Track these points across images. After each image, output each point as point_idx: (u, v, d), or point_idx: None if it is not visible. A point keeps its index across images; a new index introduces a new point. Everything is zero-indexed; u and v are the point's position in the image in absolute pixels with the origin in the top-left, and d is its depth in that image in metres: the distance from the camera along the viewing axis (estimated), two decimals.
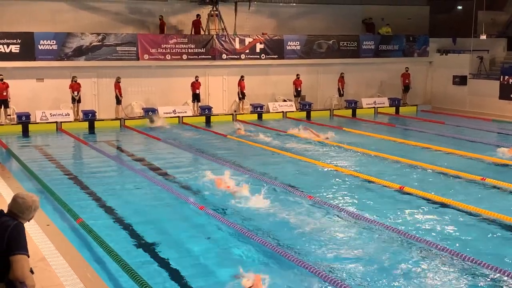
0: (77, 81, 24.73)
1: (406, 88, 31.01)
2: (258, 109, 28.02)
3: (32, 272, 5.39)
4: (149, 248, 10.17)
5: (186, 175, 15.76)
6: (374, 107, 30.29)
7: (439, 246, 9.95)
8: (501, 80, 28.19)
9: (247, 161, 17.63)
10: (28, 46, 24.42)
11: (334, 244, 10.40)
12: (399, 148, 19.79)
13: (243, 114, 27.78)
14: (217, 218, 11.62)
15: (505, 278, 8.71)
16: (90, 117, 24.92)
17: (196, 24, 28.51)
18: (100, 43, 25.58)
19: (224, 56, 27.81)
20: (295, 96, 29.13)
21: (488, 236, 10.92)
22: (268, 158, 18.29)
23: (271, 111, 28.34)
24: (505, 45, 32.01)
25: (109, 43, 25.73)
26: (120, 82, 25.37)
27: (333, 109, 29.77)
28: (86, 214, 11.69)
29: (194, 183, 14.71)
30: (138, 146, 21.36)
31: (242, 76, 27.68)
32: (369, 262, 9.54)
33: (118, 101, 25.57)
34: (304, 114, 28.63)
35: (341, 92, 29.91)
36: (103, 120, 25.41)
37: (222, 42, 27.73)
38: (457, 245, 10.21)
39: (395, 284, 8.69)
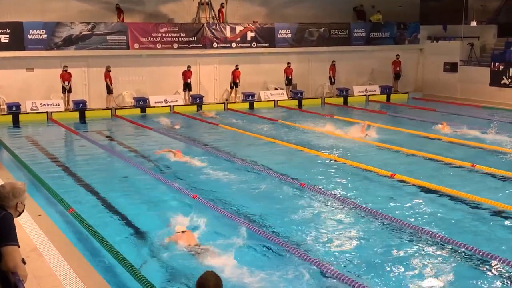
0: (68, 71, 24.60)
1: (397, 76, 31.07)
2: (250, 98, 28.00)
3: (24, 262, 5.37)
4: (141, 237, 10.17)
5: (178, 165, 15.76)
6: (365, 95, 30.35)
7: (430, 232, 10.02)
8: (492, 66, 28.28)
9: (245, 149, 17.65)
10: (17, 36, 24.25)
11: (324, 229, 10.44)
12: (391, 135, 19.82)
13: (235, 103, 27.75)
14: (210, 206, 11.64)
15: (495, 263, 8.80)
16: (80, 107, 24.83)
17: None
18: (90, 32, 25.43)
19: (215, 44, 27.73)
20: (286, 85, 29.11)
21: (482, 222, 11.00)
22: (261, 146, 18.31)
23: (262, 99, 28.32)
24: (495, 31, 32.02)
25: (99, 32, 25.58)
26: (110, 71, 25.25)
27: (324, 97, 29.80)
28: (78, 204, 11.68)
29: (187, 174, 14.72)
30: (129, 135, 21.29)
31: (236, 66, 27.57)
32: (360, 247, 9.61)
33: (109, 91, 25.45)
34: (295, 102, 28.64)
35: (333, 80, 29.92)
36: (94, 110, 25.31)
37: (213, 31, 27.63)
38: (449, 230, 10.26)
39: (385, 269, 8.75)
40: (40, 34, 24.61)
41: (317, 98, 29.79)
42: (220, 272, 6.40)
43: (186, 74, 26.73)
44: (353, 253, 9.43)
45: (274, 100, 28.43)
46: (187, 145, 18.36)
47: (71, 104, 24.95)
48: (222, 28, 27.83)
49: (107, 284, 7.91)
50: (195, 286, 4.20)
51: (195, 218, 10.43)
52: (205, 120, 23.53)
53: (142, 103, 25.95)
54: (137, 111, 25.69)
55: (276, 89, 29.07)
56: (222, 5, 29.04)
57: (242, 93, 28.14)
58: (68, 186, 13.52)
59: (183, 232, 9.58)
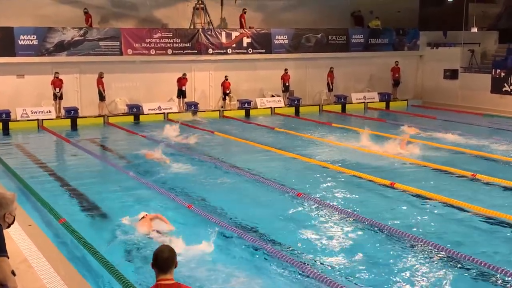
0: (59, 77, 24.61)
1: (396, 83, 31.16)
2: (246, 105, 28.02)
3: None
4: (132, 248, 10.16)
5: (170, 172, 15.78)
6: (364, 102, 30.42)
7: (429, 242, 10.04)
8: (493, 73, 28.39)
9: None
10: (7, 41, 24.25)
11: (319, 238, 10.49)
12: (390, 144, 19.84)
13: (230, 110, 27.78)
14: (207, 217, 11.66)
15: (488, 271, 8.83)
16: (72, 114, 24.83)
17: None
18: (82, 37, 25.46)
19: (210, 50, 27.78)
20: (283, 91, 29.17)
21: (480, 232, 11.03)
22: (256, 154, 18.34)
23: (259, 107, 28.35)
24: (496, 37, 32.20)
25: (92, 38, 25.62)
26: (103, 77, 25.25)
27: (322, 104, 29.85)
28: (69, 214, 11.65)
29: (182, 183, 14.73)
30: (122, 143, 21.28)
31: (226, 77, 27.61)
32: (360, 256, 9.65)
33: (102, 98, 25.45)
34: (292, 109, 28.69)
35: (331, 87, 29.98)
36: (85, 117, 25.30)
37: (208, 36, 27.70)
38: (448, 240, 10.30)
39: (378, 277, 8.77)
40: (31, 40, 24.63)
41: (315, 105, 29.85)
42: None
43: (181, 81, 26.76)
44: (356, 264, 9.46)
45: (271, 108, 28.47)
46: (177, 152, 18.38)
47: (63, 111, 24.94)
48: (218, 34, 27.89)
49: None
50: (152, 257, 4.77)
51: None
52: (200, 128, 23.51)
53: (135, 110, 25.95)
54: (130, 118, 25.68)
55: (272, 96, 29.12)
56: (244, 11, 29.06)
57: (238, 100, 28.17)
58: (59, 196, 13.51)
59: (145, 217, 10.74)
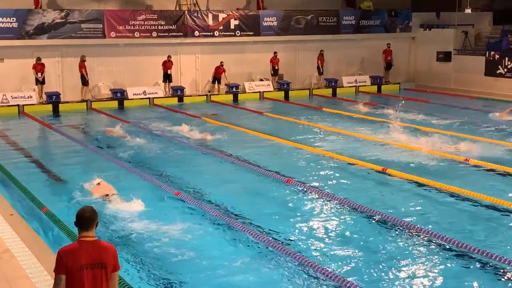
0: (41, 62, 24.44)
1: (388, 66, 31.19)
2: (234, 90, 27.97)
3: None
4: (116, 236, 10.19)
5: (155, 159, 15.81)
6: (355, 86, 30.46)
7: (421, 228, 10.15)
8: (487, 56, 28.51)
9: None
10: None
11: (312, 226, 10.59)
12: (381, 128, 19.95)
13: (218, 95, 27.72)
14: (191, 202, 11.72)
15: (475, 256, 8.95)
16: (54, 99, 24.69)
17: None
18: (63, 20, 25.25)
19: (196, 33, 27.66)
20: (272, 75, 29.13)
21: (477, 218, 11.15)
22: (243, 139, 18.38)
23: (247, 91, 28.31)
24: (490, 19, 32.32)
25: (73, 20, 25.41)
26: (85, 61, 25.08)
27: (312, 88, 29.87)
28: (52, 203, 11.64)
29: (166, 167, 14.76)
30: (108, 130, 21.16)
31: (221, 62, 27.47)
32: (352, 244, 9.74)
33: (85, 82, 25.30)
34: (282, 94, 28.68)
35: (321, 70, 29.97)
36: (68, 102, 25.18)
37: (194, 18, 27.57)
38: (439, 226, 10.40)
39: (373, 266, 8.87)
40: (10, 22, 24.39)
41: (305, 89, 29.85)
42: (126, 217, 10.73)
43: (166, 64, 26.64)
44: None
45: (260, 92, 28.45)
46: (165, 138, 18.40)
47: (44, 96, 24.79)
48: (204, 16, 27.77)
49: None
50: (75, 216, 5.33)
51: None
52: (187, 113, 23.49)
53: (119, 95, 25.84)
54: (114, 103, 25.58)
55: (261, 80, 29.08)
56: None
57: (225, 85, 28.10)
58: (42, 184, 13.49)
59: (99, 184, 12.26)
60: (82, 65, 25.10)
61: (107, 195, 11.94)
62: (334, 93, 29.50)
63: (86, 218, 5.28)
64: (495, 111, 22.39)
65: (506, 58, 27.56)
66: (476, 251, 9.17)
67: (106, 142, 18.35)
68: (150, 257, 9.35)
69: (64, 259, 5.16)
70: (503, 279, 8.50)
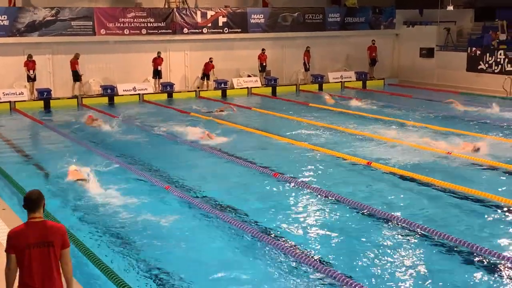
0: (33, 59, 24.27)
1: (373, 62, 31.24)
2: (222, 85, 27.92)
3: None
4: (108, 232, 10.15)
5: (146, 154, 15.76)
6: (340, 82, 30.49)
7: (405, 220, 10.19)
8: (469, 51, 28.62)
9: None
10: None
11: (298, 218, 10.59)
12: (365, 123, 20.01)
13: (207, 90, 27.65)
14: (178, 195, 11.70)
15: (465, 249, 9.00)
16: (45, 95, 24.53)
17: None
18: (54, 17, 25.08)
19: (185, 30, 27.57)
20: (260, 71, 29.10)
21: (458, 211, 11.21)
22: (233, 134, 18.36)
23: (235, 87, 28.27)
24: (472, 15, 32.45)
25: (64, 18, 25.24)
26: (78, 58, 24.94)
27: (299, 84, 29.86)
28: (44, 197, 11.53)
29: (157, 164, 14.72)
30: (97, 125, 21.04)
31: (210, 58, 27.38)
32: (336, 237, 9.76)
33: (78, 78, 25.17)
34: (269, 89, 28.66)
35: (307, 66, 29.97)
36: (59, 98, 25.02)
37: (183, 16, 27.47)
38: (424, 219, 10.45)
39: (360, 260, 8.89)
40: (2, 20, 24.18)
41: (292, 85, 29.85)
42: (96, 197, 11.63)
43: (157, 61, 26.54)
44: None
45: (248, 88, 28.41)
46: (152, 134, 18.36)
47: (35, 93, 24.62)
48: (193, 13, 27.67)
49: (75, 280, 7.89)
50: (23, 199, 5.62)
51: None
52: (177, 109, 23.44)
53: (109, 92, 25.71)
54: (105, 99, 25.46)
55: (249, 76, 29.04)
56: None
57: (214, 81, 28.03)
58: (34, 179, 13.38)
59: (76, 170, 13.03)
60: (75, 62, 24.96)
61: (81, 179, 12.61)
62: (320, 89, 29.49)
63: (33, 200, 5.54)
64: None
65: (487, 54, 27.69)
66: (459, 242, 9.22)
67: (95, 137, 18.27)
68: (133, 244, 9.54)
69: (12, 239, 5.43)
70: (487, 271, 8.54)
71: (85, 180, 12.51)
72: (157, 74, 26.70)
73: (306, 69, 30.08)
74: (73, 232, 9.63)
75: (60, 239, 5.50)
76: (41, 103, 24.32)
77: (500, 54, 27.12)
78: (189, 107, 23.43)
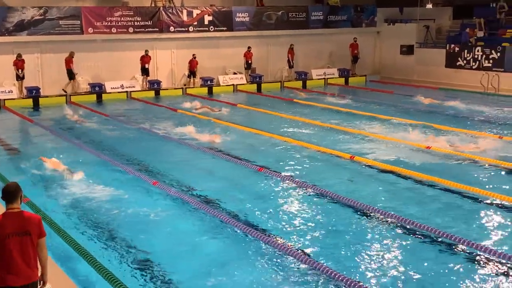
0: (22, 58, 24.09)
1: (355, 59, 31.35)
2: (208, 83, 27.88)
3: None
4: (97, 226, 10.12)
5: (132, 149, 15.72)
6: (324, 78, 30.56)
7: (385, 212, 10.26)
8: (447, 48, 28.80)
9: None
10: None
11: (282, 211, 10.62)
12: (349, 118, 20.09)
13: (193, 88, 27.60)
14: (167, 189, 11.69)
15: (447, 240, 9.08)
16: (34, 93, 24.35)
17: None
18: (42, 17, 24.88)
19: (171, 28, 27.48)
20: (245, 69, 29.09)
21: (436, 202, 11.30)
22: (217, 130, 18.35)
23: (221, 84, 28.24)
24: (451, 13, 32.67)
25: (52, 17, 25.05)
26: (73, 57, 24.87)
27: (283, 81, 29.89)
28: (33, 194, 11.49)
29: (143, 158, 14.68)
30: (85, 122, 20.96)
31: (193, 55, 27.33)
32: (319, 229, 9.80)
33: (73, 77, 25.09)
34: (254, 86, 28.67)
35: (291, 63, 30.02)
36: (47, 96, 24.85)
37: (169, 14, 27.37)
38: (407, 211, 10.52)
39: (343, 251, 8.94)
40: None
41: (276, 82, 29.86)
42: (70, 185, 12.16)
43: (144, 59, 26.43)
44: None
45: (233, 85, 28.39)
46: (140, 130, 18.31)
47: (24, 91, 24.44)
48: (179, 12, 27.59)
49: (66, 275, 7.89)
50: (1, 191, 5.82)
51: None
52: (163, 105, 23.38)
53: (97, 89, 25.58)
54: (93, 97, 25.34)
55: (235, 73, 29.02)
56: None
57: (200, 78, 27.99)
58: (23, 175, 13.28)
59: (54, 161, 13.60)
60: (70, 61, 24.86)
61: (59, 169, 13.12)
62: (304, 85, 29.56)
63: (11, 192, 5.76)
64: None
65: (465, 51, 27.88)
66: (441, 234, 9.29)
67: (84, 134, 18.20)
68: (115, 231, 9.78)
69: None
70: (468, 261, 8.63)
71: (63, 169, 12.97)
72: (144, 71, 26.59)
73: (290, 66, 30.12)
74: (57, 222, 9.78)
75: (36, 229, 5.76)
76: (30, 101, 24.15)
77: (478, 51, 27.34)
78: (176, 104, 23.37)
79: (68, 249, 8.84)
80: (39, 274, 5.90)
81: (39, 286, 5.92)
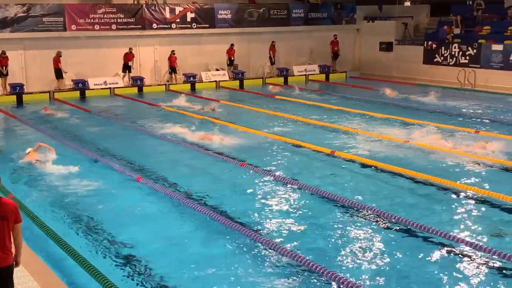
0: (6, 55, 23.81)
1: (335, 55, 31.43)
2: (191, 79, 27.77)
3: None
4: (81, 222, 10.05)
5: (114, 145, 15.62)
6: (305, 75, 30.60)
7: (365, 206, 10.30)
8: (425, 45, 28.98)
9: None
10: None
11: (264, 205, 10.63)
12: (330, 113, 20.13)
13: (176, 84, 27.48)
14: (153, 186, 11.62)
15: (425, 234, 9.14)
16: (18, 90, 24.08)
17: None
18: (26, 14, 24.59)
19: (154, 25, 27.31)
20: (228, 65, 29.02)
21: (415, 196, 11.37)
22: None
23: (204, 80, 28.15)
24: (428, 11, 32.87)
25: (35, 14, 24.76)
26: (61, 56, 24.71)
27: (265, 77, 29.87)
28: (17, 190, 11.38)
29: (129, 154, 14.59)
30: (69, 118, 20.78)
31: (172, 51, 27.22)
32: (300, 223, 9.81)
33: (61, 76, 24.90)
34: (237, 83, 28.61)
35: (273, 60, 30.01)
36: (31, 93, 24.59)
37: (152, 12, 27.20)
38: (387, 205, 10.57)
39: (324, 244, 8.96)
40: None
41: (258, 78, 29.83)
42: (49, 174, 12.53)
43: (128, 56, 26.26)
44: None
45: (216, 81, 28.31)
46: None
47: (8, 87, 24.16)
48: (161, 9, 27.43)
49: (49, 268, 7.82)
50: None
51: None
52: (147, 102, 23.26)
53: (81, 86, 25.37)
54: (76, 94, 25.12)
55: (217, 70, 28.94)
56: None
57: (183, 74, 27.88)
58: (6, 171, 13.12)
59: (33, 152, 13.72)
60: (57, 60, 24.68)
61: (37, 160, 13.41)
62: (285, 82, 29.56)
63: None
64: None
65: (443, 48, 28.07)
66: (419, 227, 9.34)
67: (67, 130, 18.05)
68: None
69: None
70: (441, 252, 8.69)
71: (41, 161, 13.31)
72: (127, 68, 26.41)
73: (272, 63, 30.11)
74: (34, 211, 9.94)
75: (13, 215, 5.90)
76: (14, 97, 23.87)
77: (455, 48, 27.53)
78: (158, 100, 23.27)
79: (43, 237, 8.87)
80: (13, 257, 6.01)
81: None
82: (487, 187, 11.34)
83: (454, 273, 7.92)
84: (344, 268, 8.12)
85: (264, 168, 13.05)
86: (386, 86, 24.73)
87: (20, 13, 24.46)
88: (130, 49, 26.22)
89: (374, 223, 9.73)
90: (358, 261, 8.35)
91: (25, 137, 17.13)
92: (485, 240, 8.98)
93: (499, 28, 27.75)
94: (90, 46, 26.16)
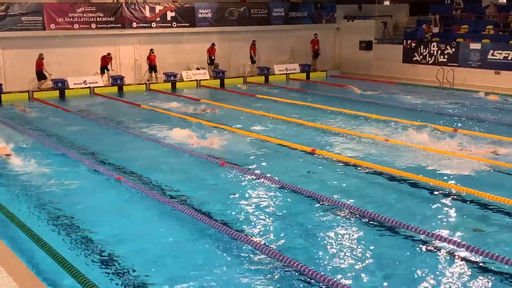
0: None
1: (316, 54, 31.52)
2: (172, 78, 27.66)
3: None
4: (64, 222, 9.95)
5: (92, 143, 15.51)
6: (286, 74, 30.63)
7: (346, 204, 10.33)
8: (404, 44, 29.17)
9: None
10: None
11: (245, 204, 10.60)
12: (310, 112, 20.18)
13: (156, 83, 27.34)
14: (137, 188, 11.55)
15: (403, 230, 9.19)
16: None
17: None
18: (4, 13, 24.26)
19: (134, 24, 27.14)
20: (208, 64, 28.94)
21: (396, 194, 11.43)
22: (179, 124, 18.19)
23: (184, 79, 28.05)
24: (407, 10, 33.08)
25: (13, 13, 24.44)
26: (43, 59, 24.55)
27: (246, 76, 29.85)
28: None
29: (110, 153, 14.50)
30: (49, 118, 20.59)
31: (151, 49, 27.10)
32: (281, 221, 9.81)
33: (42, 77, 24.73)
34: (217, 82, 28.55)
35: (253, 59, 30.00)
36: (10, 92, 24.30)
37: (132, 10, 27.02)
38: (368, 203, 10.61)
39: (303, 241, 8.97)
40: None
41: (239, 77, 29.80)
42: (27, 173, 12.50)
43: (105, 59, 26.08)
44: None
45: (196, 80, 28.22)
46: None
47: None
48: (141, 8, 27.26)
49: (27, 268, 7.73)
50: None
51: None
52: (127, 101, 23.12)
53: (60, 85, 25.13)
54: (56, 93, 24.88)
55: (198, 69, 28.85)
56: None
57: (164, 73, 27.75)
58: None
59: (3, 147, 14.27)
60: (40, 63, 24.46)
61: (8, 155, 13.91)
62: (266, 80, 29.59)
63: None
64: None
65: (422, 46, 28.27)
66: (400, 225, 9.39)
67: (47, 129, 17.87)
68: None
69: None
70: (423, 249, 8.75)
71: (10, 155, 13.83)
72: (105, 69, 26.23)
73: (253, 62, 30.10)
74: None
75: None
76: None
77: (434, 46, 27.75)
78: (138, 100, 23.14)
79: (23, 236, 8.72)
80: None
81: None
82: (467, 185, 11.41)
83: (436, 271, 7.96)
84: (325, 266, 8.13)
85: (245, 167, 13.03)
86: (352, 84, 25.05)
87: None
88: (109, 54, 26.05)
89: (354, 221, 9.76)
90: (339, 259, 8.37)
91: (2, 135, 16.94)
92: (466, 236, 9.06)
93: (477, 27, 28.03)
94: (70, 45, 25.92)
